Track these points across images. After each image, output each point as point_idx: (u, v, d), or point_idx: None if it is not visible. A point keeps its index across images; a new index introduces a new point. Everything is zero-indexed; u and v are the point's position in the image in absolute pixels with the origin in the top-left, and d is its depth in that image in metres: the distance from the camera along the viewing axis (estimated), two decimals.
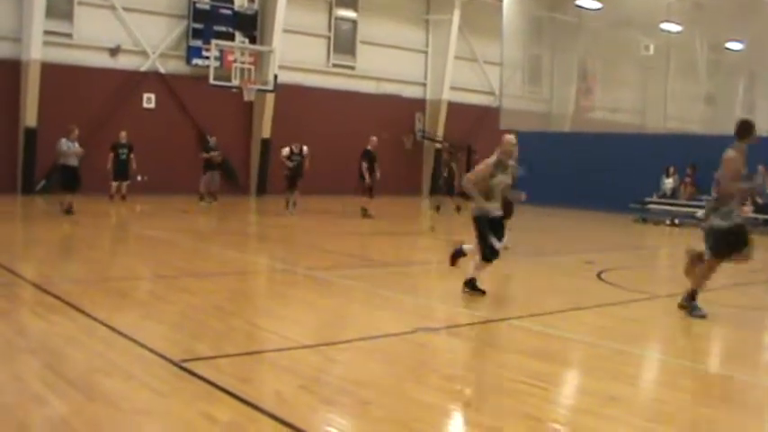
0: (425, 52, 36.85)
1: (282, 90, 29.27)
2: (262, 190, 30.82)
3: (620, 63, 35.84)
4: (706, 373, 7.72)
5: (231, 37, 29.00)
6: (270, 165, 30.49)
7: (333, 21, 33.31)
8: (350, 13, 33.82)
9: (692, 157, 26.34)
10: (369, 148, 23.08)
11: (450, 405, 6.23)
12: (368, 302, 10.35)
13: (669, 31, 34.17)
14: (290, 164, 23.12)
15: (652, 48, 34.95)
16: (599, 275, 13.16)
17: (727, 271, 15.31)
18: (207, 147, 26.06)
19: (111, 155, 24.20)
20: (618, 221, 25.34)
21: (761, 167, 23.39)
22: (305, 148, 23.49)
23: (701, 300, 9.96)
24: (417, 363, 7.45)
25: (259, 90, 28.14)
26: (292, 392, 6.18)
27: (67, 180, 19.88)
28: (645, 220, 25.95)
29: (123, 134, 24.47)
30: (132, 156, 24.56)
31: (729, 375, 7.55)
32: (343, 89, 33.28)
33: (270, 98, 29.81)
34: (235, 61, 27.40)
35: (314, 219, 22.03)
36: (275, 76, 28.56)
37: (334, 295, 10.84)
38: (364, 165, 22.87)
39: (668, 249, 19.77)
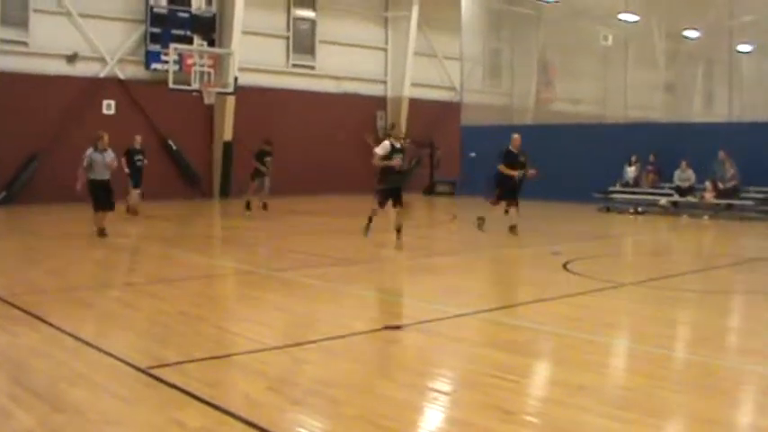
0: (385, 50, 36.86)
1: (243, 92, 29.14)
2: (225, 193, 30.66)
3: (579, 54, 35.95)
4: (673, 358, 7.76)
5: (190, 40, 28.80)
6: (233, 167, 30.33)
7: (291, 21, 33.20)
8: (308, 13, 33.73)
9: (654, 145, 26.59)
10: (510, 147, 18.34)
11: (421, 401, 6.21)
12: (335, 301, 10.32)
13: (627, 21, 34.38)
14: (396, 162, 15.50)
15: (611, 38, 35.11)
16: (565, 266, 13.20)
17: (692, 256, 15.50)
18: (261, 153, 23.21)
19: (124, 160, 21.24)
20: (582, 211, 25.47)
21: (721, 153, 23.66)
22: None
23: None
24: (386, 360, 7.45)
25: (219, 93, 28.01)
26: (261, 395, 6.15)
27: (99, 198, 16.88)
28: (609, 210, 26.10)
29: (138, 138, 22.43)
30: (146, 161, 22.40)
31: (697, 360, 7.61)
32: (304, 89, 33.18)
33: (230, 101, 29.68)
34: (194, 65, 27.24)
35: (280, 220, 21.92)
36: (235, 79, 28.43)
37: (300, 295, 10.80)
38: (503, 167, 18.11)
39: (633, 238, 19.90)
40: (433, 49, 37.94)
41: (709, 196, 23.74)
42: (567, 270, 12.91)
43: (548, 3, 35.11)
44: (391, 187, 15.67)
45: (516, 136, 18.60)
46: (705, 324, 9.39)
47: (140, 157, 22.10)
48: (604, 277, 12.43)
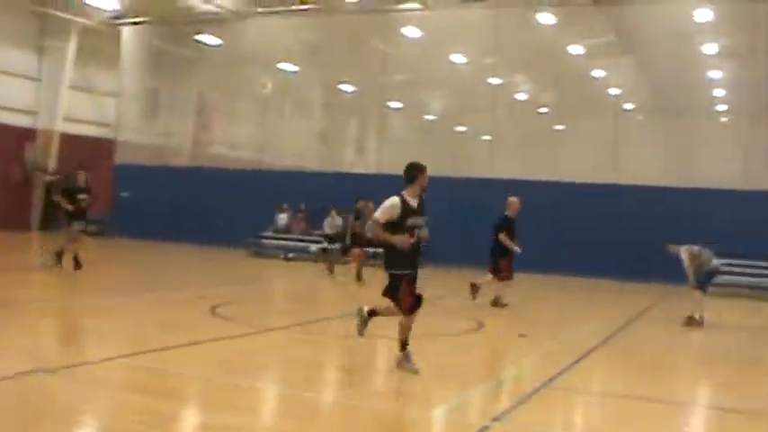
0: (39, 80, 35.27)
1: None
2: None
3: (239, 99, 36.60)
4: (315, 400, 8.11)
5: None
6: None
7: None
8: None
9: (306, 193, 27.55)
10: None
11: None
12: None
13: (286, 71, 35.48)
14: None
15: (270, 86, 36.08)
16: (213, 310, 13.29)
17: (335, 302, 16.16)
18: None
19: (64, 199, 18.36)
20: (233, 256, 25.78)
21: (333, 208, 24.49)
22: None
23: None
24: (29, 408, 7.14)
25: None
26: None
27: None
28: (259, 255, 26.60)
29: (82, 176, 18.74)
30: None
31: (337, 401, 8.01)
32: None
33: None
34: None
35: None
36: None
37: None
38: None
39: (281, 283, 20.43)
40: (89, 83, 36.83)
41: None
42: (216, 314, 13.01)
43: (210, 46, 35.37)
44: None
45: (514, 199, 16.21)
46: (333, 365, 9.86)
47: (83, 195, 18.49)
48: (252, 322, 12.69)
